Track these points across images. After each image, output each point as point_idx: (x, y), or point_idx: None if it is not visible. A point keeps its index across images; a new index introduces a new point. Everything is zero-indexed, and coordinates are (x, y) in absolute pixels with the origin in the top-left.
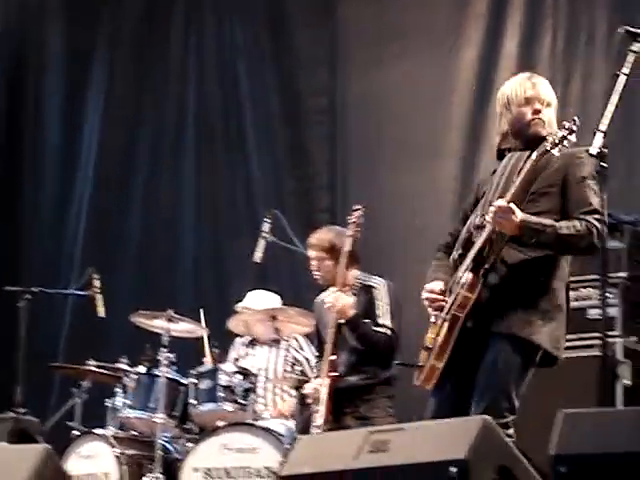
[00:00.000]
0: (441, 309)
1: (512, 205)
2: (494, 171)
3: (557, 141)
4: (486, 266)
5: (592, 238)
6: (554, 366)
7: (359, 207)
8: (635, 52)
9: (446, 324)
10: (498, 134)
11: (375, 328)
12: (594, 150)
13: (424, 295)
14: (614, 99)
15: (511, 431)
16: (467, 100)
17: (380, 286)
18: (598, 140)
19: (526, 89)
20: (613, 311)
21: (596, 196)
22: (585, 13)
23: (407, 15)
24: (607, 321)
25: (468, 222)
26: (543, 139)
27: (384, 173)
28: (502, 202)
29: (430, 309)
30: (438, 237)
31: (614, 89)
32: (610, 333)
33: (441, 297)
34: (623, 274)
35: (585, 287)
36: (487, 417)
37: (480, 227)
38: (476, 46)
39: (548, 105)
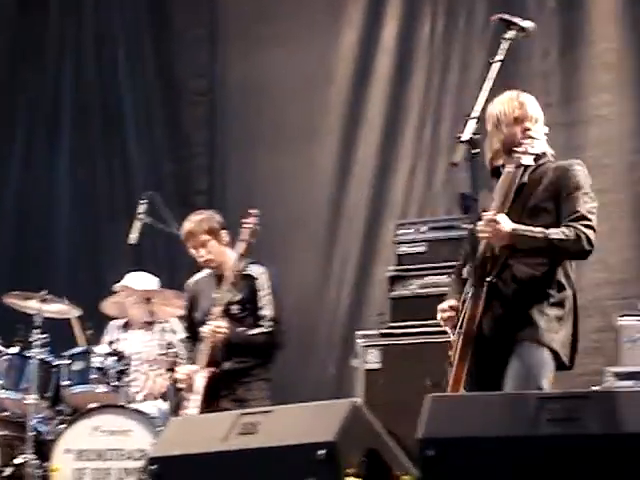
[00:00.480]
0: (456, 325)
1: (498, 216)
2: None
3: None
4: (489, 278)
5: (581, 243)
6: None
7: (254, 212)
8: (509, 39)
9: (461, 337)
10: (490, 151)
11: (251, 332)
12: (466, 136)
13: (438, 316)
14: (487, 86)
15: None
16: (345, 83)
17: (261, 275)
18: (470, 126)
19: (514, 109)
20: None
21: (585, 203)
22: (464, 0)
23: None
24: None
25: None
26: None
27: (263, 155)
28: (486, 215)
29: (447, 328)
30: (316, 219)
31: (488, 76)
32: None
33: (453, 313)
34: None
35: None
36: (356, 400)
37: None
38: (355, 30)
39: (536, 121)
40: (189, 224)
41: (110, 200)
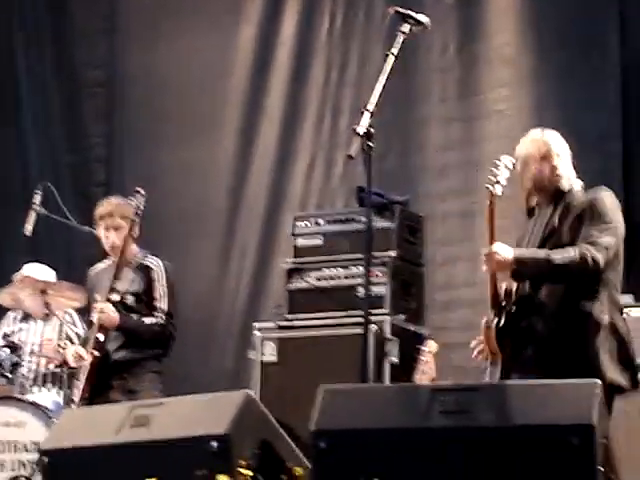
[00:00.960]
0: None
1: (495, 247)
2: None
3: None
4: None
5: (586, 265)
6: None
7: (139, 190)
8: (404, 33)
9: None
10: (524, 191)
11: (146, 321)
12: (361, 129)
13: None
14: (382, 79)
15: None
16: (245, 76)
17: (158, 267)
18: (365, 119)
19: (539, 147)
20: (382, 289)
21: (599, 231)
22: None
23: None
24: (376, 299)
25: None
26: (564, 193)
27: (163, 147)
28: (486, 249)
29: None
30: (215, 210)
31: (383, 69)
32: (379, 311)
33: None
34: (392, 253)
35: (356, 265)
36: (249, 391)
37: None
38: (255, 23)
39: (558, 156)
40: (110, 204)
41: (7, 190)
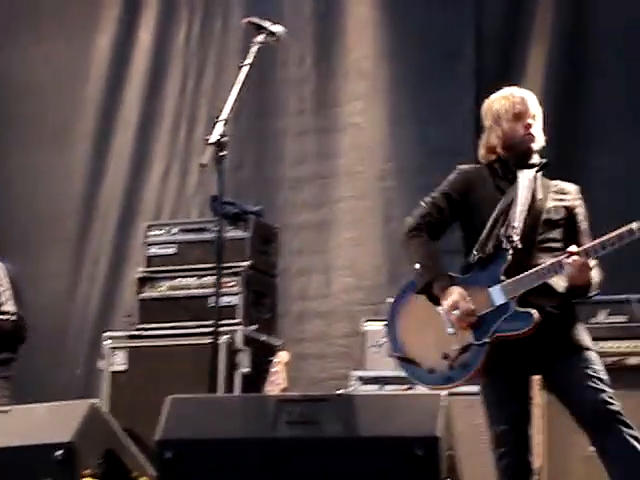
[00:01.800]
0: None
1: (592, 263)
2: (492, 174)
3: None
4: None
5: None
6: None
7: None
8: (259, 43)
9: (486, 349)
10: (484, 147)
11: None
12: (214, 138)
13: (456, 312)
14: (236, 89)
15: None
16: (102, 83)
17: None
18: (218, 129)
19: (515, 104)
20: (235, 299)
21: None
22: (221, 4)
23: None
24: (228, 309)
25: (487, 228)
26: (534, 153)
27: (17, 151)
28: (582, 259)
29: (455, 320)
30: (69, 216)
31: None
32: (231, 321)
33: (474, 318)
34: (246, 263)
35: (209, 275)
36: (94, 401)
37: (511, 242)
38: (112, 30)
39: (534, 118)
40: None
41: None
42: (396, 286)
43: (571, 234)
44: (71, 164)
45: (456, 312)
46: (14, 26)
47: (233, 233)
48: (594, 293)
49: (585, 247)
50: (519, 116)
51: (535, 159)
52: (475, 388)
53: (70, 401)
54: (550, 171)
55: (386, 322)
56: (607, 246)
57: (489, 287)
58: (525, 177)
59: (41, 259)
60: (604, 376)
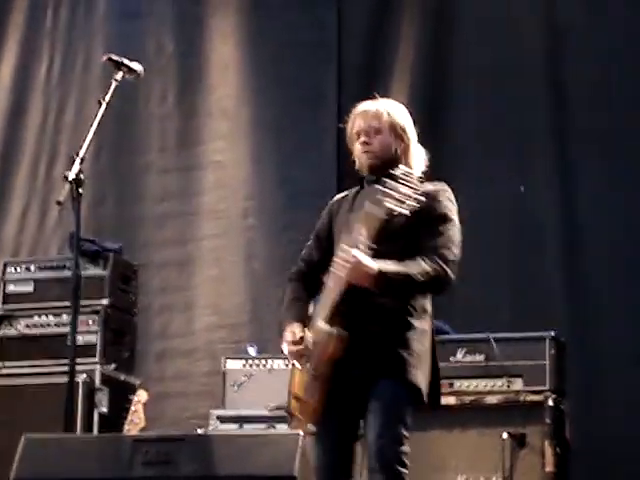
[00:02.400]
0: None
1: (359, 255)
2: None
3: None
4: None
5: (441, 277)
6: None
7: None
8: (118, 80)
9: (318, 382)
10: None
11: None
12: (71, 175)
13: (286, 348)
14: (94, 126)
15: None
16: None
17: None
18: (76, 166)
19: (354, 123)
20: (93, 338)
21: (442, 228)
22: (83, 40)
23: None
24: (86, 348)
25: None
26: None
27: None
28: (360, 256)
29: (294, 361)
30: None
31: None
32: (89, 360)
33: (302, 347)
34: (105, 301)
35: (67, 313)
36: None
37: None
38: None
39: (378, 132)
40: None
41: None
42: (258, 324)
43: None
44: None
45: (283, 347)
46: None
47: (92, 271)
48: (421, 281)
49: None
50: (357, 135)
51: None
52: None
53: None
54: None
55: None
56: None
57: (316, 317)
58: (366, 193)
59: None
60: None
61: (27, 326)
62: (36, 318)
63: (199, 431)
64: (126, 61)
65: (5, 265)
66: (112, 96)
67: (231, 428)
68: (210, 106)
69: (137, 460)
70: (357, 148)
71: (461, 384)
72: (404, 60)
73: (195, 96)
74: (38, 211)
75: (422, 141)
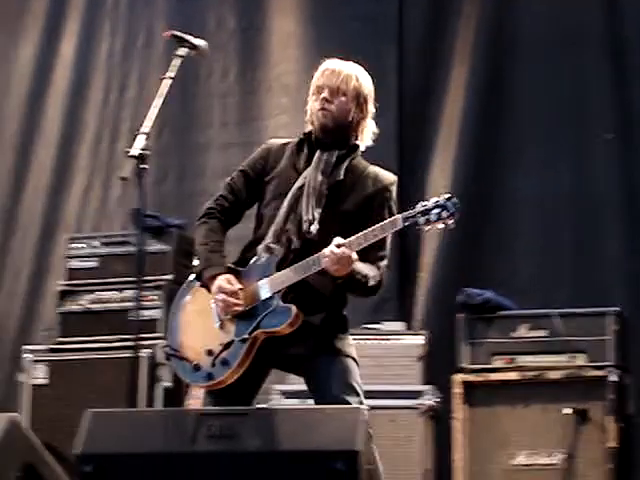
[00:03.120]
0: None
1: (354, 257)
2: (296, 151)
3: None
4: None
5: (378, 288)
6: None
7: None
8: (181, 56)
9: (246, 345)
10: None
11: None
12: (135, 151)
13: (220, 295)
14: (158, 102)
15: None
16: (22, 96)
17: None
18: (139, 142)
19: (319, 77)
20: (156, 313)
21: (388, 240)
22: (144, 18)
23: None
24: (150, 323)
25: (282, 216)
26: (355, 147)
27: None
28: (348, 252)
29: (220, 309)
30: None
31: (159, 92)
32: (153, 335)
33: (240, 306)
34: (168, 276)
35: (131, 288)
36: (13, 415)
37: (303, 235)
38: (33, 44)
39: (343, 94)
40: None
41: None
42: None
43: (363, 224)
44: None
45: (220, 296)
46: None
47: (155, 246)
48: (371, 285)
49: (349, 240)
50: (319, 89)
51: (354, 140)
52: (398, 402)
53: None
54: (470, 187)
55: (168, 317)
56: (370, 238)
57: (258, 280)
58: (322, 159)
59: None
60: (355, 383)
61: (91, 301)
62: (99, 294)
63: (260, 406)
64: (190, 37)
65: (69, 240)
66: (175, 72)
67: (294, 403)
68: (271, 81)
69: (201, 434)
70: (315, 103)
71: (523, 360)
72: (464, 40)
73: (256, 72)
74: (101, 187)
75: (483, 124)
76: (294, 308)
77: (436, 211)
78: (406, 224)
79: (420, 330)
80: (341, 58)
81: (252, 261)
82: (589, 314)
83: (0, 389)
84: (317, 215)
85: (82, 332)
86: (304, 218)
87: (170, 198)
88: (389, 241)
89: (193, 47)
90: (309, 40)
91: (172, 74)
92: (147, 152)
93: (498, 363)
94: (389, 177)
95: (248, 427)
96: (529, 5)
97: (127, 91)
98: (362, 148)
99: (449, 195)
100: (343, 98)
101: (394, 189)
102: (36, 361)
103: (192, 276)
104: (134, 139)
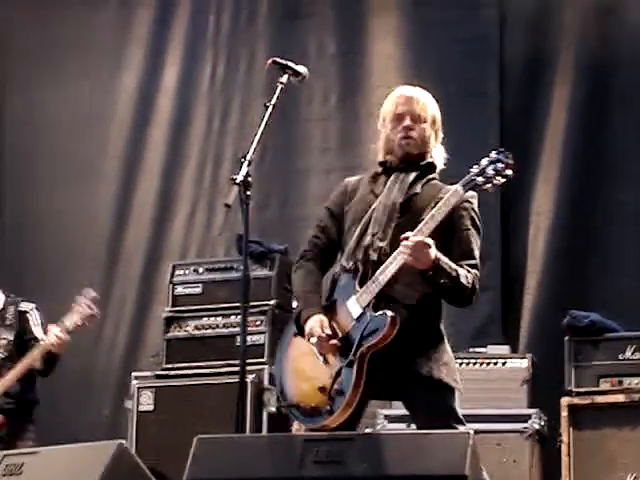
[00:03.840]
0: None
1: (429, 240)
2: (373, 179)
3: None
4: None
5: (473, 293)
6: None
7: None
8: (283, 83)
9: (355, 367)
10: (376, 152)
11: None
12: (239, 178)
13: (314, 339)
14: (261, 129)
15: None
16: (126, 125)
17: (32, 310)
18: (243, 169)
19: (397, 104)
20: (261, 338)
21: (477, 249)
22: (245, 45)
23: (66, 35)
24: (255, 348)
25: (355, 237)
26: (431, 165)
27: (40, 194)
28: (419, 238)
29: (316, 347)
30: (94, 259)
31: (262, 119)
32: (258, 360)
33: (335, 341)
34: (272, 302)
35: (235, 314)
36: (122, 442)
37: (376, 250)
38: (136, 72)
39: (424, 121)
40: None
41: None
42: None
43: (449, 243)
44: (96, 206)
45: (313, 340)
46: (38, 66)
47: (259, 272)
48: (463, 283)
49: (417, 228)
50: (399, 117)
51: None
52: (504, 426)
53: (98, 442)
54: (575, 205)
55: (274, 365)
56: (437, 217)
57: (345, 301)
58: (399, 178)
59: (67, 302)
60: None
61: (196, 327)
62: (204, 319)
63: (367, 430)
64: (291, 64)
65: (174, 267)
66: (278, 99)
67: (399, 427)
68: (372, 106)
69: (308, 459)
70: (394, 131)
71: (630, 382)
72: (566, 54)
73: (356, 96)
74: (205, 214)
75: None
76: (388, 312)
77: (491, 167)
78: (467, 188)
79: (525, 353)
80: (441, 79)
81: (337, 287)
82: None
83: (108, 416)
84: (384, 228)
85: (187, 358)
86: (369, 231)
87: (272, 224)
88: (478, 253)
89: (295, 73)
90: (409, 63)
91: (274, 101)
92: (250, 178)
93: (605, 386)
94: (469, 192)
95: (355, 452)
96: (630, 18)
97: (229, 118)
98: (438, 169)
99: (498, 149)
100: (424, 125)
101: (475, 201)
102: (142, 387)
103: (291, 321)
104: (237, 166)
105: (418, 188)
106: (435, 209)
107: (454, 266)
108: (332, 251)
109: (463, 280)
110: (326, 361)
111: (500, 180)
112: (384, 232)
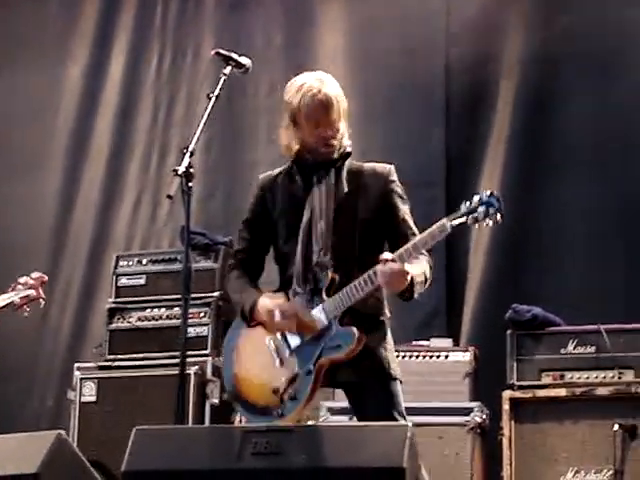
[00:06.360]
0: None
1: (408, 268)
2: (289, 181)
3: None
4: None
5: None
6: None
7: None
8: (226, 75)
9: (312, 377)
10: (283, 143)
11: None
12: (181, 169)
13: (278, 316)
14: (204, 120)
15: None
16: (72, 114)
17: None
18: (186, 160)
19: (310, 108)
20: (204, 330)
21: (412, 220)
22: (192, 36)
23: (12, 27)
24: (198, 340)
25: (300, 257)
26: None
27: None
28: (398, 266)
29: (280, 324)
30: (39, 247)
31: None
32: (201, 352)
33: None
34: (216, 293)
35: (179, 306)
36: (61, 432)
37: (325, 266)
38: (82, 62)
39: (339, 121)
40: None
41: None
42: None
43: (390, 226)
44: (41, 195)
45: (277, 315)
46: None
47: (203, 263)
48: (429, 278)
49: (398, 252)
50: (315, 124)
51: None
52: (446, 419)
53: (37, 432)
54: (519, 200)
55: (222, 361)
56: (420, 247)
57: (311, 309)
58: (320, 181)
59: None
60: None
61: (139, 319)
62: (148, 311)
63: (310, 422)
64: (234, 55)
65: (117, 259)
66: (221, 90)
67: (341, 420)
68: None
69: (247, 451)
70: (311, 135)
71: (572, 376)
72: (512, 49)
73: None
74: (149, 205)
75: (530, 139)
76: (355, 330)
77: (482, 209)
78: (454, 225)
79: (468, 347)
80: (389, 72)
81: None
82: (638, 330)
83: (52, 406)
84: (325, 240)
85: (131, 349)
86: (314, 249)
87: (217, 215)
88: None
89: (238, 65)
90: (355, 54)
91: (218, 92)
92: (192, 170)
93: (547, 380)
94: (385, 168)
95: (293, 444)
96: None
97: (175, 109)
98: (349, 149)
99: (491, 191)
100: (339, 124)
101: (395, 177)
102: (85, 378)
103: (235, 322)
104: (182, 157)
105: (344, 185)
106: (419, 239)
107: (421, 270)
108: (258, 262)
109: (429, 275)
110: (282, 363)
111: (489, 224)
112: (325, 244)
